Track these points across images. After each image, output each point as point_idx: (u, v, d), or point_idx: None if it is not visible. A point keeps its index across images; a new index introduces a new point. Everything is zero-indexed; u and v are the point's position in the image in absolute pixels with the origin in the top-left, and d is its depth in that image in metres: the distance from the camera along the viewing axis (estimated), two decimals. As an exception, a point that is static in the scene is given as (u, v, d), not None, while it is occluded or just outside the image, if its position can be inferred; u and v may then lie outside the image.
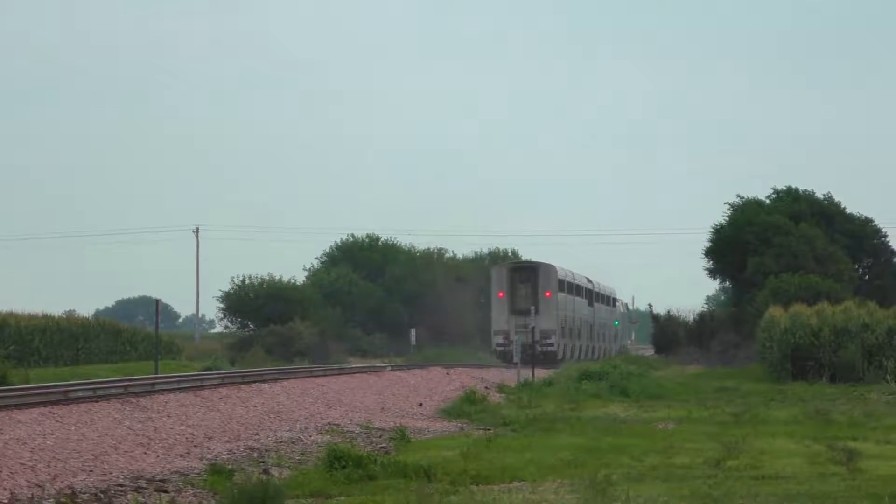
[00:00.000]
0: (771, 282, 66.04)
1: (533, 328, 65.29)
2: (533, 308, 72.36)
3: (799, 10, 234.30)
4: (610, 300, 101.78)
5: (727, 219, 74.94)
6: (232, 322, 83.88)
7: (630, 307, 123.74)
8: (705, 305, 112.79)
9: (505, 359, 70.56)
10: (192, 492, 19.58)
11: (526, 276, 78.35)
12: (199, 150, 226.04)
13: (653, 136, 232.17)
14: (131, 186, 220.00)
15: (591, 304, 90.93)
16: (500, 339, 72.13)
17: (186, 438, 25.56)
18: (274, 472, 21.85)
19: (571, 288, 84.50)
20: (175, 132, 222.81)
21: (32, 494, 18.35)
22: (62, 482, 19.42)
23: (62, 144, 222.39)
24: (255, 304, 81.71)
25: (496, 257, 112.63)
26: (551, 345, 76.81)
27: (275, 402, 34.60)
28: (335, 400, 37.53)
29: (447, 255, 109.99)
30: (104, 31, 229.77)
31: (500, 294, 77.73)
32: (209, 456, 23.54)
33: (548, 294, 77.92)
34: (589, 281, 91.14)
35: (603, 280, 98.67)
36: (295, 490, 19.42)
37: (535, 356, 67.69)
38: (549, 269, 79.50)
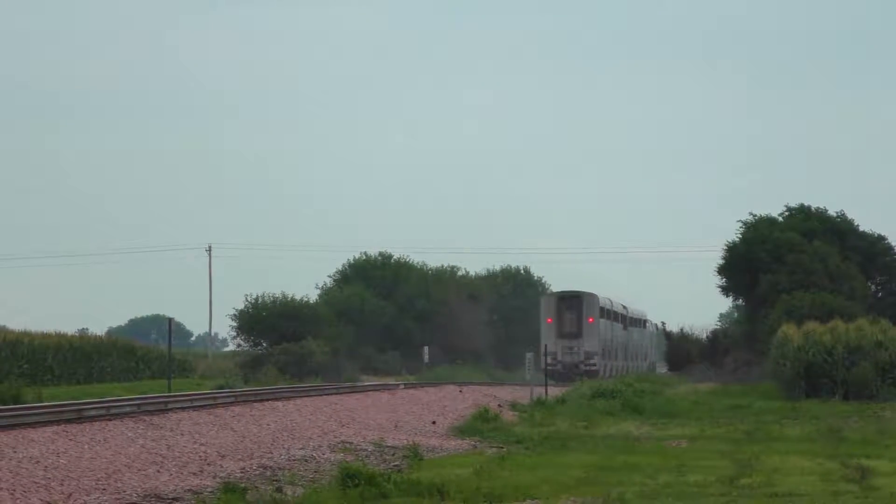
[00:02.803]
0: (784, 299, 65.87)
1: (539, 347, 67.72)
2: (578, 332, 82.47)
3: (813, 25, 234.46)
4: (641, 322, 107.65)
5: (740, 236, 74.84)
6: (245, 340, 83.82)
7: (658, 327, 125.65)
8: (718, 323, 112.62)
9: (553, 377, 75.60)
10: (205, 510, 19.62)
11: (571, 304, 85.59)
12: (212, 167, 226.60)
13: (666, 154, 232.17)
14: (144, 204, 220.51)
15: (625, 327, 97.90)
16: (548, 360, 75.37)
17: (200, 457, 25.60)
18: (287, 490, 21.85)
19: (610, 314, 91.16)
20: (188, 148, 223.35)
21: (46, 513, 18.40)
22: (76, 501, 19.47)
23: (73, 162, 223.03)
24: (267, 322, 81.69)
25: (509, 275, 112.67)
26: (594, 364, 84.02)
27: (288, 420, 34.62)
28: (348, 418, 37.53)
29: (460, 273, 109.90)
30: (115, 46, 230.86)
31: (549, 320, 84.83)
32: (222, 474, 23.56)
33: (591, 320, 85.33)
34: (624, 307, 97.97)
35: (635, 304, 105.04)
36: (308, 508, 19.45)
37: (580, 375, 72.36)
38: (592, 297, 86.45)
